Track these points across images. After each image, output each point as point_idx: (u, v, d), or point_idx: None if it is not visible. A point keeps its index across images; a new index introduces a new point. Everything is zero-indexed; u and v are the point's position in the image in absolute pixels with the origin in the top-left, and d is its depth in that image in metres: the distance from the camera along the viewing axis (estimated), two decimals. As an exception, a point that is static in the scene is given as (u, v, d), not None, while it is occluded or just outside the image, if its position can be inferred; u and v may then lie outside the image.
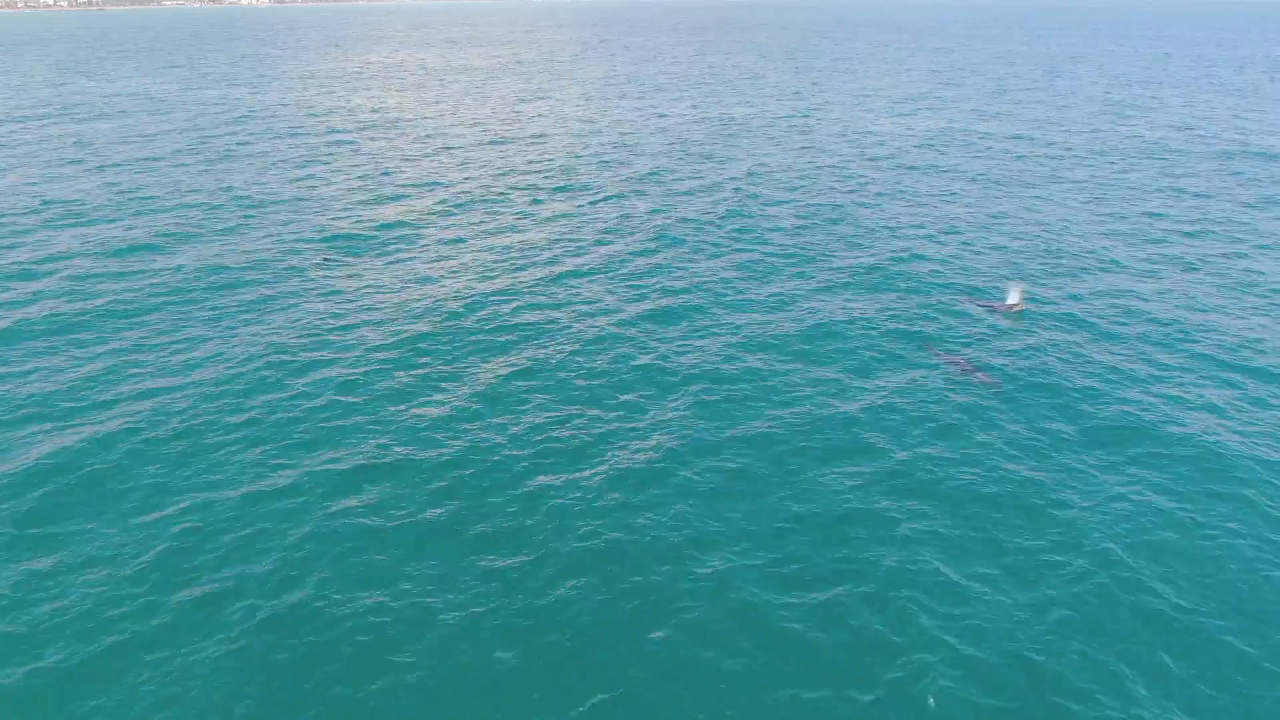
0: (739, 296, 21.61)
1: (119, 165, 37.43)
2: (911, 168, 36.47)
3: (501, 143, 43.41)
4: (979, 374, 16.74)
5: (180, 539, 12.21)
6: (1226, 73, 74.19)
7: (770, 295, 21.67)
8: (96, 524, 12.58)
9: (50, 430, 14.99)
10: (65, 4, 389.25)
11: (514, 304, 21.28)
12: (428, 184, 33.96)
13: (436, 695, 9.65)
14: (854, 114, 51.83)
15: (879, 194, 31.99)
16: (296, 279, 22.81)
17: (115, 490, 13.39)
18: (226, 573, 11.56)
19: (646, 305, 20.99)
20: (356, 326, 19.76)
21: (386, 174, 35.66)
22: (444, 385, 16.84)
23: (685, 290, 22.00)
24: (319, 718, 9.38)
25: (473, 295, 21.73)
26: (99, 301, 21.14)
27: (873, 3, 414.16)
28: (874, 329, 19.49)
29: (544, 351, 18.44)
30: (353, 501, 13.09)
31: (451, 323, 20.05)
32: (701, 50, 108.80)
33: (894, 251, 25.10)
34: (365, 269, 23.76)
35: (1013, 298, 20.29)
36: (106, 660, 10.11)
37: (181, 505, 12.96)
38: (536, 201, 31.30)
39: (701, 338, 19.10)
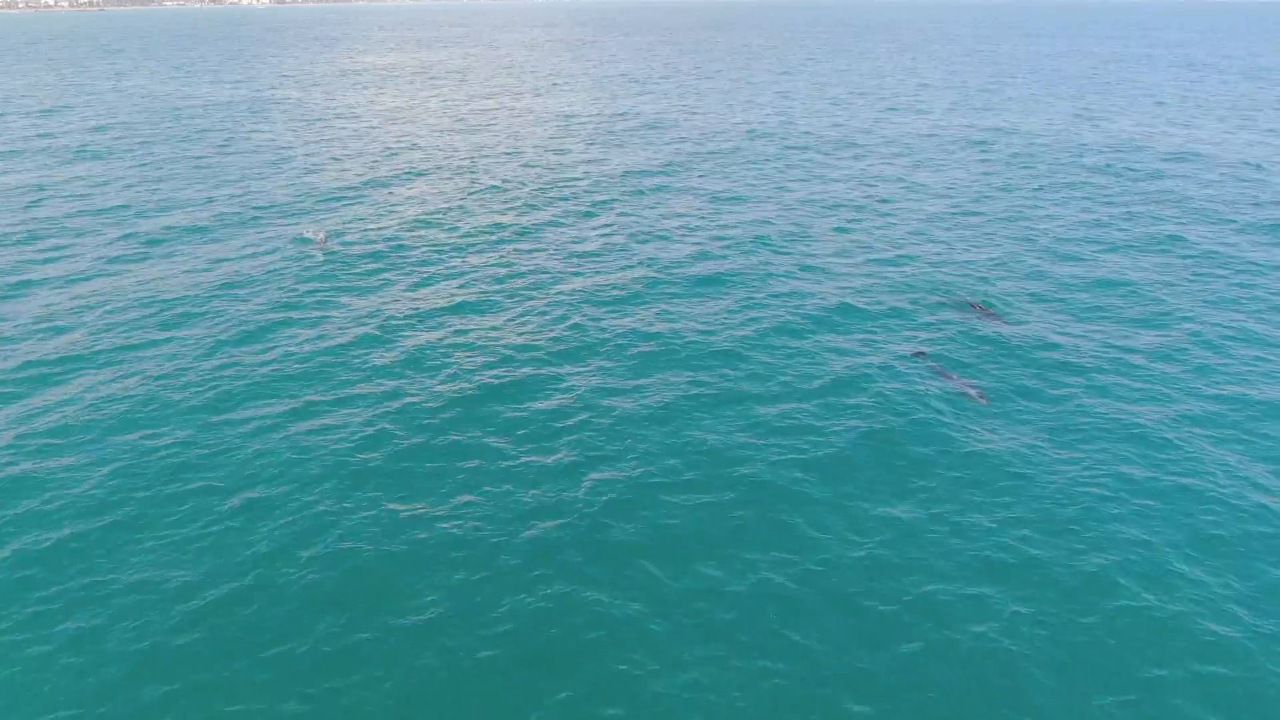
0: (655, 288, 22.43)
1: (114, 155, 38.93)
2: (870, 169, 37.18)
3: (471, 132, 44.36)
4: (971, 389, 16.57)
5: (169, 458, 14.24)
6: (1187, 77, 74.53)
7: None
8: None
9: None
10: (65, 4, 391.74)
11: (463, 276, 23.06)
12: (403, 172, 35.00)
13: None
14: (794, 113, 52.54)
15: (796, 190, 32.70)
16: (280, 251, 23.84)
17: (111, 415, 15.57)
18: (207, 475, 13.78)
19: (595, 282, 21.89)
20: (321, 295, 21.31)
21: (361, 162, 36.60)
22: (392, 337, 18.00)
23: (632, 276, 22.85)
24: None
25: (430, 268, 22.85)
26: (84, 270, 22.67)
27: (877, 2, 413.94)
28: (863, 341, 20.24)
29: (486, 313, 20.17)
30: (308, 425, 15.18)
31: (409, 292, 21.54)
32: (684, 50, 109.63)
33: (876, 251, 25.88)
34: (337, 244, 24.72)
35: (975, 300, 20.99)
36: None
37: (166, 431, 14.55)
38: (502, 186, 32.22)
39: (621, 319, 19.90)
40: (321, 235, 25.82)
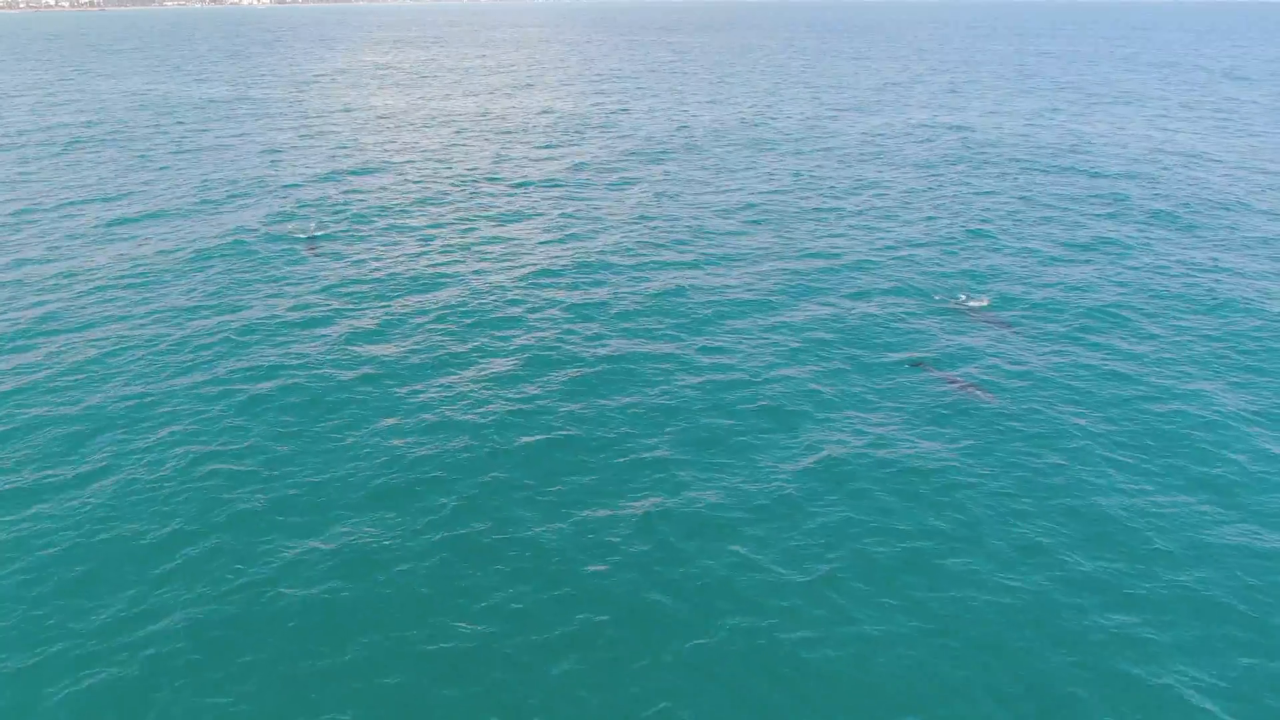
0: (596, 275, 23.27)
1: (107, 149, 40.10)
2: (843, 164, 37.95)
3: (454, 130, 45.39)
4: (975, 391, 16.23)
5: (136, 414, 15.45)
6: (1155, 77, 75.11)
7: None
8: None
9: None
10: (66, 4, 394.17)
11: (427, 261, 23.82)
12: (384, 166, 36.06)
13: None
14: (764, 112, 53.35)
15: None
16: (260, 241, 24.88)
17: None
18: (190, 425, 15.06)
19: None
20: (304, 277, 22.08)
21: (349, 157, 37.58)
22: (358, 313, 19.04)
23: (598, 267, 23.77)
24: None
25: (403, 255, 23.81)
26: (80, 266, 23.68)
27: (880, 3, 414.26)
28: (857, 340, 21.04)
29: (456, 294, 21.21)
30: (269, 385, 16.42)
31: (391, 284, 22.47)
32: (678, 51, 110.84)
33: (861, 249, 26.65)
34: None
35: (972, 299, 21.00)
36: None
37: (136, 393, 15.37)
38: (483, 180, 33.17)
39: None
40: (310, 227, 26.81)
